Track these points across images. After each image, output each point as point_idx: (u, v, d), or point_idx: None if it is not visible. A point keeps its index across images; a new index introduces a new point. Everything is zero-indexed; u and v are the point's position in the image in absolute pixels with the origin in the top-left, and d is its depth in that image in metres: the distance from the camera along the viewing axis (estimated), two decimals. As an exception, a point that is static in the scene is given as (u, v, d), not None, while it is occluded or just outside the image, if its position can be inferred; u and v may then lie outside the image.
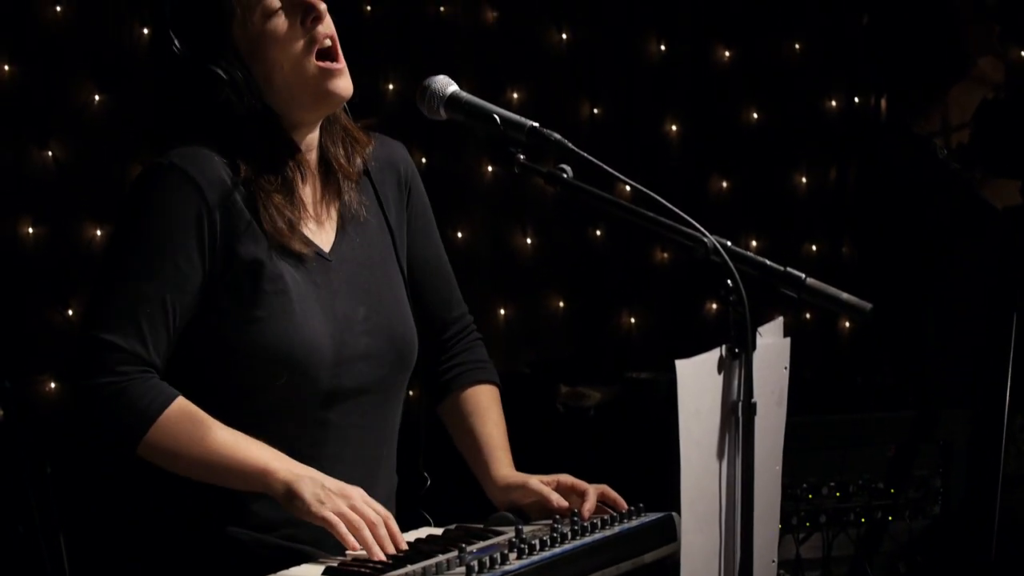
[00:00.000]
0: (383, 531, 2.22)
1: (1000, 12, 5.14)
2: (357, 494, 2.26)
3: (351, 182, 2.50)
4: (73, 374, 2.30)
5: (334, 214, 2.50)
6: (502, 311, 5.36)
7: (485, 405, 2.70)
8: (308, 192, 2.46)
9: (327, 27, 2.40)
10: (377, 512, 2.24)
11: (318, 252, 2.43)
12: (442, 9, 5.33)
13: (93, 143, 4.79)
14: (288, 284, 2.36)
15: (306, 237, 2.41)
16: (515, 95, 5.37)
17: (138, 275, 2.30)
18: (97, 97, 4.81)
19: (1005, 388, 4.00)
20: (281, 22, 2.37)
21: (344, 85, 2.41)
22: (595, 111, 5.62)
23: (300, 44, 2.37)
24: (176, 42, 2.36)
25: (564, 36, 5.54)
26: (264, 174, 2.37)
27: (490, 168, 5.43)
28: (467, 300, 5.31)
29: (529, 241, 5.52)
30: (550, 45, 5.54)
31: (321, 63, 2.39)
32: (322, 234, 2.46)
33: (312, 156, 2.48)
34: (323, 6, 2.40)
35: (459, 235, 5.38)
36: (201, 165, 2.33)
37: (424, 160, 5.29)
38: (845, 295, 2.09)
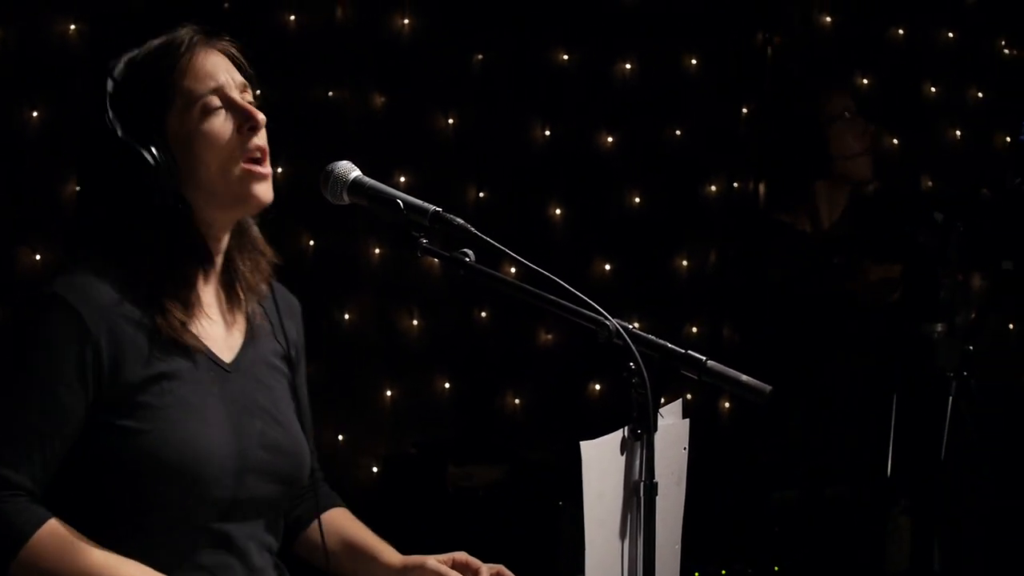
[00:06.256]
0: None
1: (875, 105, 5.28)
2: None
3: (253, 295, 2.51)
4: None
5: (242, 325, 2.50)
6: (388, 392, 5.34)
7: (349, 519, 2.71)
8: (212, 297, 2.47)
9: (261, 138, 2.42)
10: None
11: (217, 362, 2.42)
12: (330, 93, 5.36)
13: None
14: (182, 396, 2.34)
15: (205, 346, 2.40)
16: (403, 179, 5.40)
17: (16, 405, 2.28)
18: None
19: (886, 470, 4.08)
20: (219, 123, 2.38)
21: (266, 191, 2.41)
22: (481, 195, 5.66)
23: (232, 149, 2.38)
24: (111, 119, 2.34)
25: (451, 121, 5.59)
26: (166, 274, 2.36)
27: (377, 250, 5.44)
28: (354, 382, 5.24)
29: (416, 323, 5.53)
30: (437, 130, 5.59)
31: (247, 166, 2.39)
32: (228, 342, 2.46)
33: (219, 261, 2.47)
34: (262, 118, 2.41)
35: (346, 317, 5.38)
36: (85, 292, 2.30)
37: (312, 243, 5.29)
38: (745, 377, 2.13)
